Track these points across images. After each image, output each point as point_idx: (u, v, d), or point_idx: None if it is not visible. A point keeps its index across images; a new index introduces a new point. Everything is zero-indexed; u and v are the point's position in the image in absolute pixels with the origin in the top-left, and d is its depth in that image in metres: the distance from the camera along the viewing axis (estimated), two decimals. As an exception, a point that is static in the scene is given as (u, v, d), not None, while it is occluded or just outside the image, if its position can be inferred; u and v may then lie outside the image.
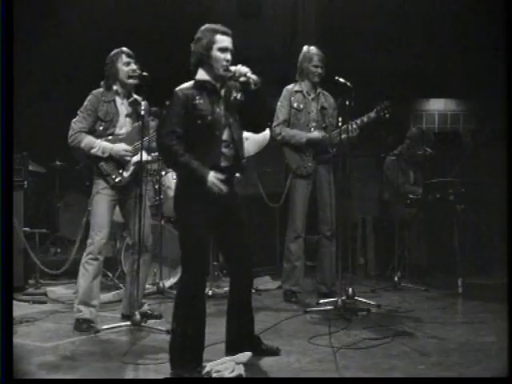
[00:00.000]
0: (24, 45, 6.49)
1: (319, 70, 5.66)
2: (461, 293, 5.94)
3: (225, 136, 3.76)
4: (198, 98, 3.69)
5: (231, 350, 3.86)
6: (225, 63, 3.71)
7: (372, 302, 5.37)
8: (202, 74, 3.77)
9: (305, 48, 5.77)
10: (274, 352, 4.00)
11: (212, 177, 3.63)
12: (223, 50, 3.71)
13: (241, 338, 3.89)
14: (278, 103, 5.77)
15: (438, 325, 4.85)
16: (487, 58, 8.38)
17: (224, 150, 3.75)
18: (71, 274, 6.20)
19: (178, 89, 3.73)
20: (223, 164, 3.74)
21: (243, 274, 3.90)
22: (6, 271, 3.31)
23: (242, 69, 3.71)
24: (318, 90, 5.78)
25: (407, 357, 3.99)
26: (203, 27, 3.79)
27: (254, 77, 3.70)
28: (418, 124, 10.43)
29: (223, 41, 3.72)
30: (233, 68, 3.71)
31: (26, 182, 6.02)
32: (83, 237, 5.06)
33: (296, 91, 5.74)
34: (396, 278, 6.27)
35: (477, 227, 7.22)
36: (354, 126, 5.46)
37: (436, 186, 6.41)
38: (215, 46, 3.70)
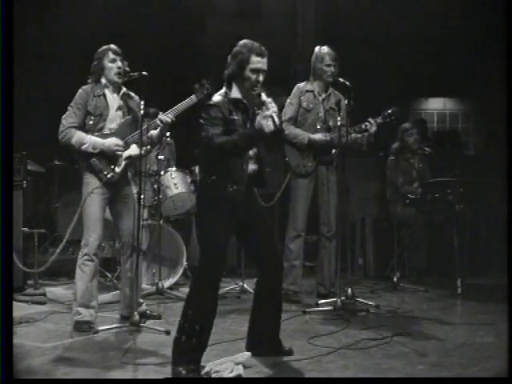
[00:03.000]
0: (24, 44, 6.47)
1: (332, 69, 5.64)
2: (460, 293, 5.96)
3: (251, 152, 3.86)
4: (234, 113, 3.77)
5: (251, 348, 3.97)
6: (255, 84, 3.77)
7: (371, 303, 5.39)
8: (235, 92, 3.82)
9: (316, 48, 5.76)
10: (288, 352, 4.04)
11: (260, 119, 3.65)
12: (255, 71, 3.76)
13: (262, 337, 3.99)
14: (287, 100, 5.77)
15: (437, 325, 4.87)
16: (486, 58, 8.40)
17: (250, 165, 3.85)
18: (64, 273, 6.29)
19: (215, 102, 3.76)
20: (247, 178, 3.83)
21: (272, 275, 3.99)
22: (5, 272, 3.29)
23: (270, 108, 3.70)
24: (330, 90, 5.77)
25: (406, 357, 4.00)
26: (242, 42, 3.83)
27: (277, 120, 3.71)
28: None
29: (257, 62, 3.76)
30: (264, 97, 3.76)
31: (24, 182, 6.02)
32: (76, 237, 5.06)
33: (307, 90, 5.73)
34: (395, 279, 6.29)
35: (476, 227, 7.23)
36: (358, 129, 5.49)
37: (435, 186, 6.41)
38: (248, 67, 3.75)
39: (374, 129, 5.57)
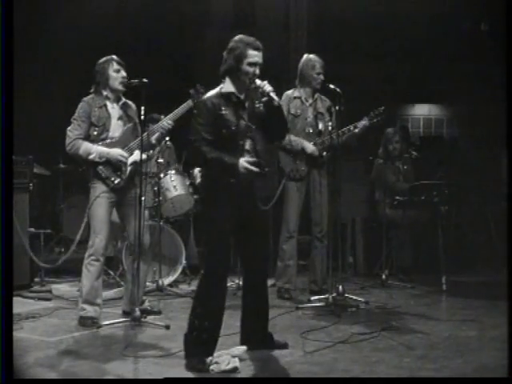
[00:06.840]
0: (27, 47, 6.56)
1: (321, 77, 5.76)
2: (444, 290, 6.05)
3: (247, 146, 3.90)
4: (223, 108, 3.82)
5: (245, 342, 4.04)
6: (252, 77, 3.83)
7: (361, 299, 5.50)
8: (228, 86, 3.89)
9: (305, 56, 5.87)
10: (283, 346, 4.12)
11: (243, 162, 3.77)
12: (253, 64, 3.82)
13: (254, 332, 4.07)
14: None
15: (423, 320, 4.96)
16: (471, 65, 8.57)
17: (248, 158, 3.85)
18: (69, 271, 6.37)
19: (203, 98, 3.87)
20: (244, 171, 3.82)
21: (257, 271, 4.06)
22: (5, 273, 3.29)
23: (266, 87, 3.84)
24: (316, 95, 5.88)
25: (394, 350, 4.10)
26: (237, 38, 3.89)
27: (276, 98, 3.87)
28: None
29: (254, 56, 3.83)
30: (258, 82, 3.85)
31: (31, 184, 6.09)
32: (82, 237, 5.17)
33: (295, 97, 5.83)
34: (383, 276, 6.37)
35: (460, 227, 7.33)
36: (346, 130, 5.65)
37: (421, 188, 6.48)
38: (246, 61, 3.81)
39: (357, 130, 5.75)
